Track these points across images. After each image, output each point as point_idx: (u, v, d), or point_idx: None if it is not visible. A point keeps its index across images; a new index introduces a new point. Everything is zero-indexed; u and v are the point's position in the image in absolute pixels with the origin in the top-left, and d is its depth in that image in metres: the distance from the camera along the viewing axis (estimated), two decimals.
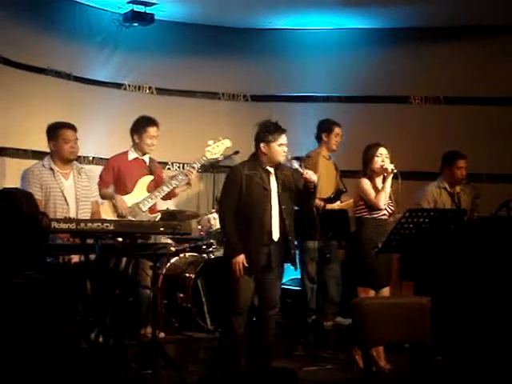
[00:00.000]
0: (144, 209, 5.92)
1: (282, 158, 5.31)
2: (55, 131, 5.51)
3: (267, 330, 5.37)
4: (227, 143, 6.12)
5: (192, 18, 8.06)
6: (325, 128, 7.29)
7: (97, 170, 6.61)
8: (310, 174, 5.27)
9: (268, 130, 5.30)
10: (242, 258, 5.18)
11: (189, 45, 8.19)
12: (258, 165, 5.31)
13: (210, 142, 6.08)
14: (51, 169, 5.46)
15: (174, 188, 6.16)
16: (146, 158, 6.32)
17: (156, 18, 7.56)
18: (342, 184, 7.16)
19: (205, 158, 6.09)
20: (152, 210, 6.05)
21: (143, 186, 6.07)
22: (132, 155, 6.28)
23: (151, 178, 6.16)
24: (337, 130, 7.26)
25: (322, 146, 7.31)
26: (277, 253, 5.27)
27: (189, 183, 6.22)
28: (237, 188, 5.24)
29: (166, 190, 6.03)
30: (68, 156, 5.50)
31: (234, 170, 5.41)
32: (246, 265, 5.18)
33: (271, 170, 5.32)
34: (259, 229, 5.21)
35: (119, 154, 6.26)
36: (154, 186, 6.12)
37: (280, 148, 5.29)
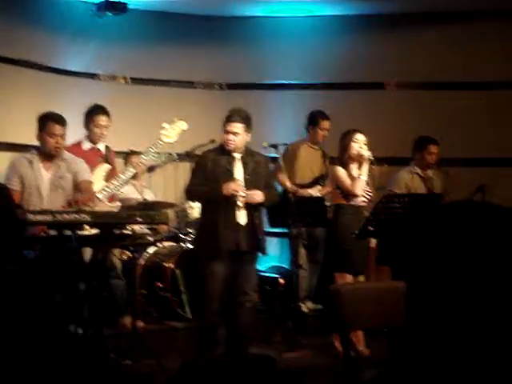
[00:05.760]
0: (102, 198, 5.76)
1: (228, 146, 5.32)
2: (43, 123, 5.36)
3: (240, 317, 5.36)
4: (183, 125, 5.98)
5: (166, 7, 8.03)
6: (312, 120, 7.37)
7: None
8: (254, 196, 5.27)
9: (225, 118, 5.39)
10: (227, 183, 5.21)
11: (163, 34, 8.15)
12: (224, 151, 5.35)
13: (166, 125, 5.95)
14: (30, 161, 5.39)
15: (132, 176, 6.06)
16: (102, 147, 6.26)
17: (129, 7, 7.52)
18: (326, 170, 7.23)
19: (160, 142, 5.96)
20: (110, 199, 5.86)
21: (100, 176, 5.93)
22: (87, 145, 6.21)
23: (108, 166, 6.01)
24: (323, 124, 7.31)
25: (307, 137, 7.41)
26: (245, 238, 5.27)
27: (136, 174, 6.11)
28: (202, 172, 5.35)
29: (123, 178, 5.88)
30: (51, 151, 5.35)
31: (201, 155, 5.58)
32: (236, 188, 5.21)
33: (237, 155, 5.35)
34: (225, 213, 5.24)
35: (72, 144, 6.05)
36: (111, 175, 5.96)
37: (225, 135, 5.33)
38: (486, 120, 8.07)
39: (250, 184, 5.30)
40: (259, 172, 5.39)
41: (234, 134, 5.29)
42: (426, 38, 8.19)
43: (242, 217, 5.28)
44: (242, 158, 5.37)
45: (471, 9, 7.93)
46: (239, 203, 5.25)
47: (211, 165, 5.33)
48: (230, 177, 5.28)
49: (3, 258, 4.29)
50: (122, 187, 5.91)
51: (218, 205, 5.25)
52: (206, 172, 5.33)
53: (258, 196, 5.28)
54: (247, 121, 5.37)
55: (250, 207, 5.29)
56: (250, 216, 5.30)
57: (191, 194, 5.52)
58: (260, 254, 5.49)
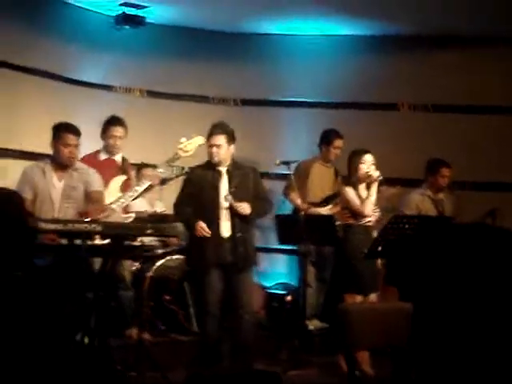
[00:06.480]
0: (117, 209, 5.75)
1: (212, 159, 5.46)
2: (58, 133, 5.42)
3: (241, 330, 5.40)
4: (200, 140, 5.99)
5: (183, 22, 8.07)
6: (325, 139, 7.38)
7: None
8: (241, 208, 5.36)
9: (208, 133, 5.52)
10: (200, 223, 5.33)
11: (180, 48, 8.19)
12: (210, 166, 5.49)
13: (183, 140, 5.97)
14: (43, 169, 5.43)
15: (148, 188, 6.07)
16: (118, 158, 6.29)
17: (147, 21, 7.59)
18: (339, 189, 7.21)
19: (178, 157, 5.98)
20: (125, 210, 5.88)
21: (116, 187, 5.93)
22: (103, 155, 6.26)
23: (124, 178, 6.01)
24: (336, 142, 7.33)
25: (320, 155, 7.41)
26: (230, 250, 5.36)
27: (151, 186, 6.14)
28: (189, 187, 5.54)
29: (139, 190, 5.88)
30: (65, 161, 5.40)
31: (189, 171, 5.77)
32: (208, 231, 5.32)
33: (223, 169, 5.47)
34: (209, 226, 5.37)
35: (89, 154, 6.16)
36: (126, 186, 5.93)
37: (209, 149, 5.48)
38: (499, 144, 8.05)
39: (235, 197, 5.40)
40: (246, 184, 5.49)
41: (217, 146, 5.42)
42: (441, 60, 8.20)
43: (226, 230, 5.37)
44: (227, 171, 5.48)
45: (490, 34, 7.92)
46: (222, 216, 5.37)
47: (198, 180, 5.48)
48: (215, 192, 5.40)
49: (13, 266, 4.31)
50: (136, 199, 5.93)
51: (203, 219, 5.37)
52: (194, 188, 5.48)
53: (244, 208, 5.34)
54: (229, 133, 5.50)
55: (236, 220, 5.36)
56: (234, 229, 5.37)
57: (176, 213, 5.67)
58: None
